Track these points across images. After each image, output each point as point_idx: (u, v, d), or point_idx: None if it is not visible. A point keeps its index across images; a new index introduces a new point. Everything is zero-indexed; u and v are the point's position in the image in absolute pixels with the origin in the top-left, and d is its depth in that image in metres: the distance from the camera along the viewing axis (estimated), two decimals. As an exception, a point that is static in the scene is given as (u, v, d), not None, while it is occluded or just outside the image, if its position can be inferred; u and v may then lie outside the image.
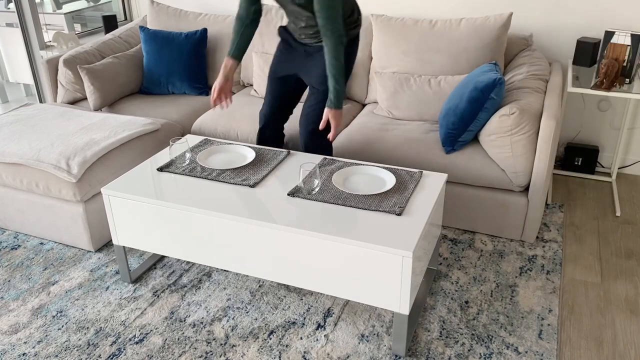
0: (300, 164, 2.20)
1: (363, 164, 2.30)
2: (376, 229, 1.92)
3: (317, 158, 2.41)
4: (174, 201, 2.10)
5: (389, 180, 2.17)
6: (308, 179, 2.09)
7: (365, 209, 2.02)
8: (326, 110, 2.34)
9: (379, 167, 2.26)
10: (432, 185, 2.18)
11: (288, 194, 2.12)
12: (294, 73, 2.59)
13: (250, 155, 2.40)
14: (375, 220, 1.96)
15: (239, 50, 2.49)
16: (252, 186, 2.19)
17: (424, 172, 2.28)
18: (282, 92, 2.64)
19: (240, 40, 2.48)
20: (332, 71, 2.28)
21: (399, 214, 1.98)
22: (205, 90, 3.51)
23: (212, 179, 2.24)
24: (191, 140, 2.61)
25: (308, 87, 2.60)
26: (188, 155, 2.34)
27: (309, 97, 2.56)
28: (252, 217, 1.99)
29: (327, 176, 2.22)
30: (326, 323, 2.19)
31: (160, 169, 2.32)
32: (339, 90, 2.30)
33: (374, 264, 1.87)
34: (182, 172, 2.29)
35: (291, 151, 2.47)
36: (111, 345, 2.10)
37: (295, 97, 2.68)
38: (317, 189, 2.12)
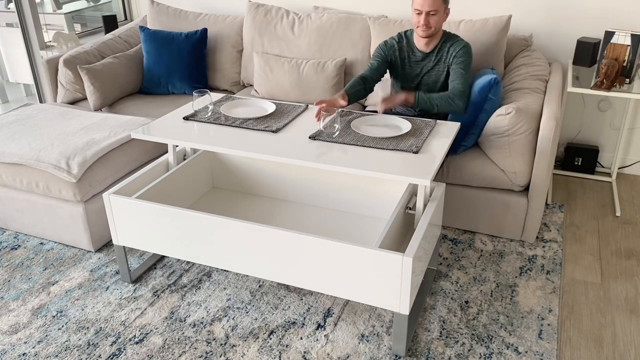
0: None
1: (378, 115, 2.43)
2: (395, 163, 2.01)
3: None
4: (200, 142, 2.20)
5: (405, 127, 2.29)
6: (329, 123, 2.21)
7: (383, 148, 2.12)
8: (404, 93, 2.49)
9: (395, 116, 2.39)
10: (446, 131, 2.30)
11: (309, 137, 2.22)
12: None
13: (270, 108, 2.52)
14: (394, 158, 2.05)
15: (354, 96, 2.52)
16: (275, 132, 2.28)
17: (438, 121, 2.38)
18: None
19: (357, 92, 2.52)
20: (436, 100, 2.49)
21: (416, 152, 2.08)
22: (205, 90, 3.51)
23: (236, 127, 2.35)
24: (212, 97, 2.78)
25: None
26: (210, 107, 2.46)
27: None
28: (277, 155, 2.08)
29: (346, 124, 2.34)
30: (326, 323, 2.19)
31: (186, 118, 2.43)
32: (427, 102, 2.51)
33: (374, 264, 1.87)
34: (206, 120, 2.41)
35: (309, 105, 2.58)
36: (111, 345, 2.10)
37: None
38: (337, 133, 2.23)
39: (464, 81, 2.51)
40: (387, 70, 2.68)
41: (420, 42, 2.57)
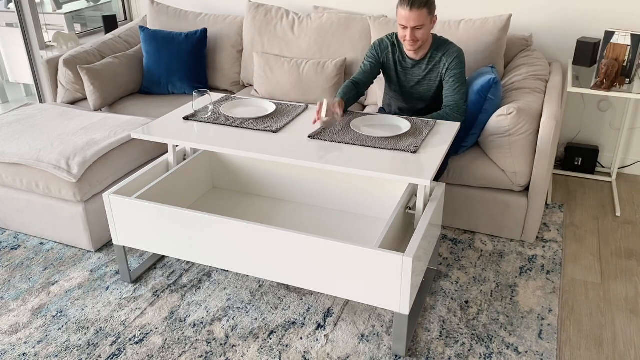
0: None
1: (379, 114, 2.43)
2: (395, 163, 2.01)
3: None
4: (200, 142, 2.20)
5: (404, 126, 2.29)
6: (330, 113, 2.22)
7: (382, 148, 2.12)
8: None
9: (394, 116, 2.39)
10: (446, 131, 2.29)
11: (309, 137, 2.23)
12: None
13: (270, 108, 2.52)
14: (394, 158, 2.06)
15: (347, 104, 2.46)
16: (275, 132, 2.28)
17: (438, 121, 2.37)
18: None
19: (349, 100, 2.47)
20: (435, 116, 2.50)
21: (414, 152, 2.08)
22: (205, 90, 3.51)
23: (236, 127, 2.35)
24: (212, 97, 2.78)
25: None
26: (210, 107, 2.46)
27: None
28: (277, 155, 2.08)
29: (346, 124, 2.34)
30: (326, 323, 2.19)
31: (186, 118, 2.43)
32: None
33: (374, 264, 1.87)
34: (206, 120, 2.41)
35: (309, 105, 2.58)
36: (111, 345, 2.10)
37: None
38: (338, 123, 2.25)
39: (458, 97, 2.47)
40: (380, 72, 2.62)
41: (409, 51, 2.48)
